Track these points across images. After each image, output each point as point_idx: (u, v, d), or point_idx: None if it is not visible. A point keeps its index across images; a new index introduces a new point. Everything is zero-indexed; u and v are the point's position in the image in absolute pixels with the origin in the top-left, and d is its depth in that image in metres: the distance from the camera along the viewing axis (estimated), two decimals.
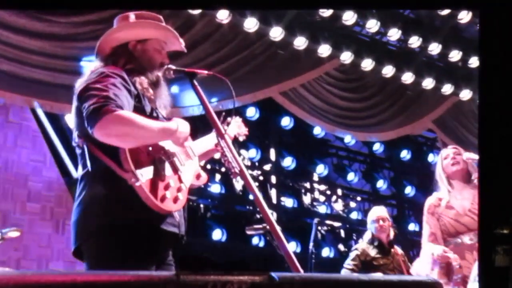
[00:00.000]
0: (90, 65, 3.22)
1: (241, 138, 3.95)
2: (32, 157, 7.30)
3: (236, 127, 3.79)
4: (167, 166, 3.02)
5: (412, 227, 10.98)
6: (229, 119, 3.65)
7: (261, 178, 9.87)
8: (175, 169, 3.07)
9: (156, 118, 3.12)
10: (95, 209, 2.91)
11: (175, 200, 3.00)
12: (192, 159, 3.21)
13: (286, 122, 9.94)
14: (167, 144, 3.08)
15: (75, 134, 3.07)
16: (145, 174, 2.89)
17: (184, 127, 3.07)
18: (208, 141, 3.45)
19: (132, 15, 3.28)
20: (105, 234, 2.88)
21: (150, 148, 2.99)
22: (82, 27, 6.56)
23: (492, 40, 2.78)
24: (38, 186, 7.27)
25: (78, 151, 3.07)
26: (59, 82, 6.38)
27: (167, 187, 2.96)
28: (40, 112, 7.21)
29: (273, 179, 9.94)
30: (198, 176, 3.27)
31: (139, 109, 3.02)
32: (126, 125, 2.82)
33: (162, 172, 2.96)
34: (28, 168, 7.26)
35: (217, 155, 3.27)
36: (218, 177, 9.25)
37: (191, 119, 7.00)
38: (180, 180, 3.08)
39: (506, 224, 2.69)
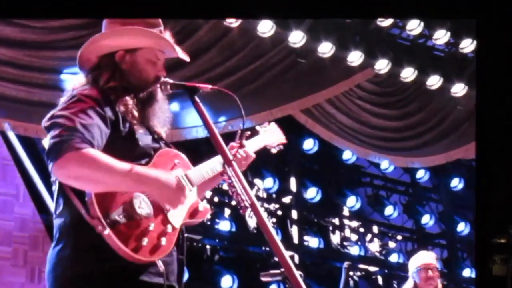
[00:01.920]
0: (73, 81, 3.25)
1: (274, 150, 3.95)
2: (1, 190, 7.32)
3: (266, 137, 3.79)
4: (146, 205, 2.99)
5: (467, 272, 10.88)
6: (257, 128, 3.68)
7: (279, 212, 9.85)
8: (158, 208, 3.04)
9: (136, 145, 3.10)
10: (68, 257, 2.94)
11: (155, 248, 2.98)
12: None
13: (309, 145, 9.94)
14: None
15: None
16: (116, 218, 2.89)
17: (167, 178, 3.01)
18: (211, 166, 3.35)
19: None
20: (77, 286, 2.92)
21: None
22: (62, 33, 6.61)
23: (489, 48, 2.93)
24: (9, 226, 7.28)
25: (54, 187, 3.10)
26: (35, 99, 6.42)
27: (144, 233, 2.95)
28: (11, 136, 7.24)
29: (294, 214, 9.91)
30: (194, 213, 3.24)
31: (115, 136, 3.03)
32: (88, 167, 2.84)
33: (137, 215, 2.94)
34: None
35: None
36: (227, 212, 9.24)
37: (194, 143, 7.12)
38: (165, 222, 3.05)
39: (503, 234, 2.83)
